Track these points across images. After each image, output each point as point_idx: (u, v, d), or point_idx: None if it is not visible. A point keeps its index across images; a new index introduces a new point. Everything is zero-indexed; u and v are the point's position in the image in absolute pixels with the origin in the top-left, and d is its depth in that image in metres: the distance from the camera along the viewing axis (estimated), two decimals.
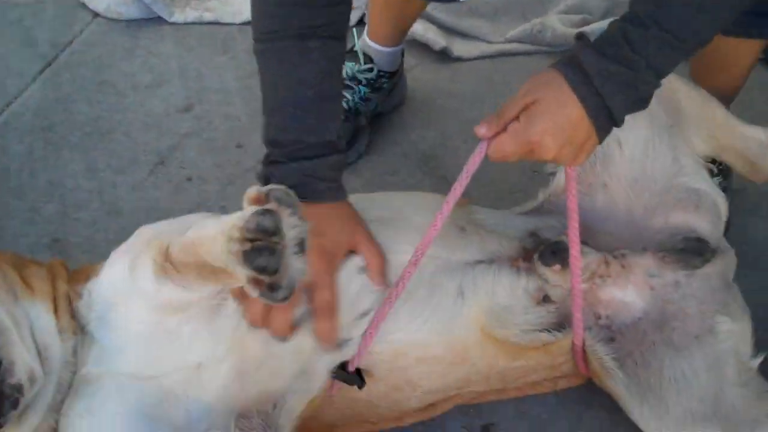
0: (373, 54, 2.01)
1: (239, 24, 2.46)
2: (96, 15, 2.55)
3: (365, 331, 1.18)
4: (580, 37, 1.19)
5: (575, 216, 1.22)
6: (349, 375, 1.18)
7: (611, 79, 1.13)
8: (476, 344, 1.25)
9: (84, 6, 2.58)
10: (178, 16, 2.50)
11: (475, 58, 2.33)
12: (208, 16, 2.51)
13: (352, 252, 1.22)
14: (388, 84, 2.06)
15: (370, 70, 2.02)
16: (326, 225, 1.17)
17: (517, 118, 1.14)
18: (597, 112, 1.13)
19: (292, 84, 1.26)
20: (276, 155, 1.25)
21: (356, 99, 2.00)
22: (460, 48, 2.32)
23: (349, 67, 2.01)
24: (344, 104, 1.97)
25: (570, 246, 1.22)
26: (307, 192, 1.17)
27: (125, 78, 2.27)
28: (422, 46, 2.32)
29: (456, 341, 1.24)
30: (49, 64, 2.33)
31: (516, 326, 1.26)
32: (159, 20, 2.50)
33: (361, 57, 2.02)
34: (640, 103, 1.17)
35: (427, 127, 2.08)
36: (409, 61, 2.19)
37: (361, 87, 2.01)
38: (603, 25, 2.30)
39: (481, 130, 1.15)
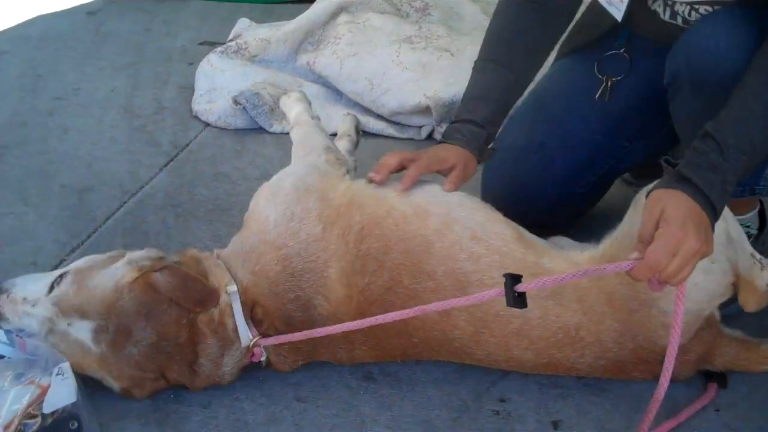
0: None
1: None
2: (207, 125, 3.05)
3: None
4: (669, 162, 1.56)
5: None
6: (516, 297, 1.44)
7: (709, 183, 1.47)
8: None
9: (196, 117, 3.10)
10: (277, 127, 2.98)
11: None
12: None
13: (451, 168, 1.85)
14: None
15: None
16: (444, 149, 1.89)
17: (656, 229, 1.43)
18: (705, 206, 1.46)
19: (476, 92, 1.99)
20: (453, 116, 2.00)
21: None
22: None
23: None
24: None
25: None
26: (448, 136, 1.93)
27: (237, 171, 2.72)
28: None
29: None
30: (172, 159, 2.79)
31: None
32: (261, 130, 2.99)
33: None
34: (726, 196, 1.51)
35: None
36: None
37: None
38: None
39: (634, 254, 1.44)
